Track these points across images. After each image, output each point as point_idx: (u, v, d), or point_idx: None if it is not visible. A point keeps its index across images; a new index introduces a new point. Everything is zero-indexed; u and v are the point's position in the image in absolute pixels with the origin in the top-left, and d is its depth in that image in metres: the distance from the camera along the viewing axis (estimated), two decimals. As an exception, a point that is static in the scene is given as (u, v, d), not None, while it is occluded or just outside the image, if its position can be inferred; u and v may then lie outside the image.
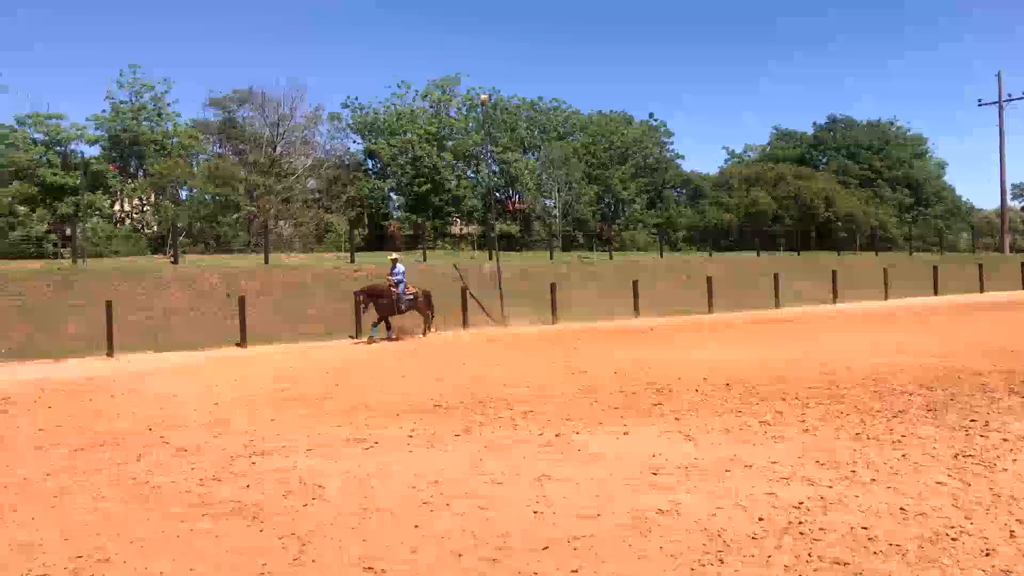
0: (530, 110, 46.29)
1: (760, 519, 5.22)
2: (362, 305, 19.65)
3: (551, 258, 29.68)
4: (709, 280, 28.04)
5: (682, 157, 53.90)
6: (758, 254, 34.09)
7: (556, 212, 42.29)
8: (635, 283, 26.10)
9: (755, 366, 12.78)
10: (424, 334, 20.56)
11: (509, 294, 24.05)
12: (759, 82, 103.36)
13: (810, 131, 56.31)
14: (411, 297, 20.26)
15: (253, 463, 7.25)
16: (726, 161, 58.71)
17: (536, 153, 44.93)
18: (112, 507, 5.96)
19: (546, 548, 4.80)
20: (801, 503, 5.51)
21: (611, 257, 31.40)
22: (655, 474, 6.42)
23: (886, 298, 32.33)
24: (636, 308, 25.64)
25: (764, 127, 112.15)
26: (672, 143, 52.76)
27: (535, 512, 5.50)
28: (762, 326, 21.57)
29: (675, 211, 47.09)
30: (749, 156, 57.96)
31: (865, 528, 4.98)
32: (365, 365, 15.03)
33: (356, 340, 20.06)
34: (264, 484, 6.48)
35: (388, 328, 19.79)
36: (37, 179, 32.61)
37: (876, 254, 38.04)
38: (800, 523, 5.11)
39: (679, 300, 26.77)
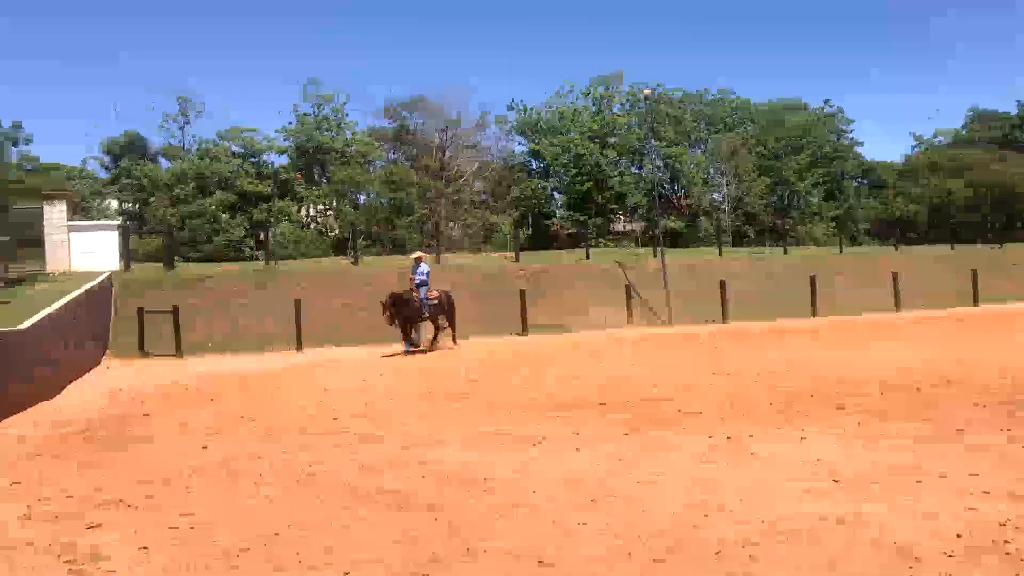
0: (696, 102, 45.08)
1: (958, 535, 4.76)
2: (389, 312, 17.24)
3: (720, 254, 28.72)
4: (895, 276, 25.93)
5: (862, 144, 50.43)
6: (952, 248, 31.21)
7: (725, 206, 40.93)
8: (812, 279, 24.66)
9: (951, 368, 11.71)
10: (445, 341, 18.25)
11: (675, 292, 23.51)
12: (947, 61, 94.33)
13: (1013, 111, 50.80)
14: (435, 302, 18.02)
15: (412, 455, 7.53)
16: (912, 147, 54.19)
17: (703, 146, 43.70)
18: (279, 493, 6.38)
19: (718, 552, 4.65)
20: (1007, 521, 4.96)
21: (785, 252, 29.89)
22: (835, 481, 6.04)
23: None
24: (814, 306, 24.24)
25: (957, 109, 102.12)
26: (851, 130, 49.50)
27: (704, 515, 5.34)
28: (958, 324, 19.72)
29: (856, 202, 44.14)
30: (940, 141, 53.15)
31: (1085, 553, 4.41)
32: (527, 359, 15.24)
33: (389, 353, 17.21)
34: (432, 476, 6.71)
35: (408, 337, 17.74)
36: (236, 188, 35.86)
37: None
38: (1006, 543, 4.61)
39: (861, 298, 24.95)
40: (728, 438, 7.70)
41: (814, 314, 23.79)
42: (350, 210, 37.66)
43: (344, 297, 20.83)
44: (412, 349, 17.44)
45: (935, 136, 54.12)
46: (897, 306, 25.20)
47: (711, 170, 41.52)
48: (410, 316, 17.58)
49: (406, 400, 11.22)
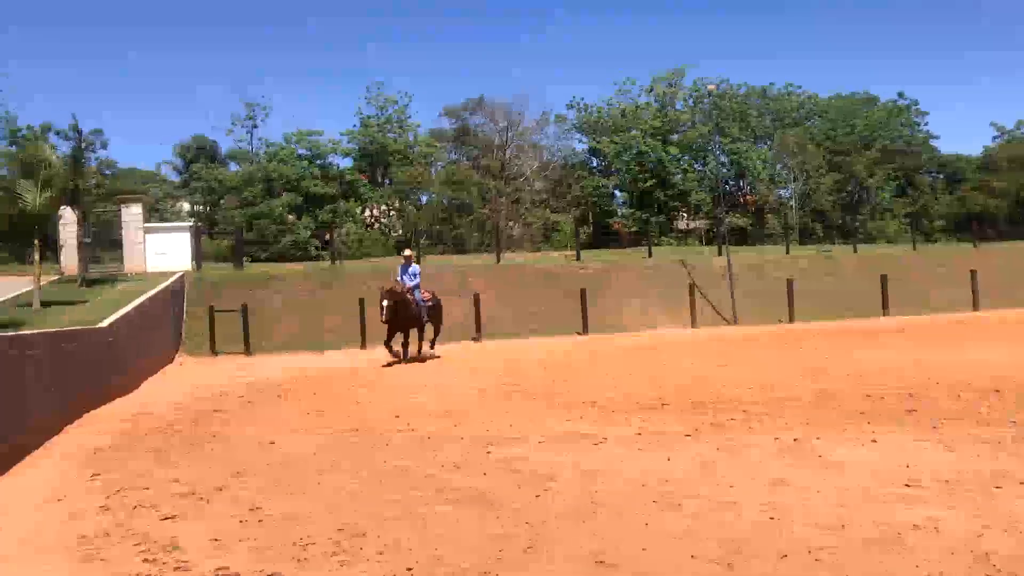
0: (761, 97, 44.16)
1: (1042, 545, 4.53)
2: (390, 313, 15.09)
3: (787, 252, 28.08)
4: (973, 274, 24.89)
5: (937, 138, 48.46)
6: (1036, 243, 29.84)
7: (792, 203, 39.98)
8: (883, 278, 23.88)
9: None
10: (431, 346, 16.81)
11: (741, 291, 23.06)
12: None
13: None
14: (430, 304, 16.50)
15: (488, 452, 7.58)
16: (993, 139, 51.85)
17: (769, 142, 42.79)
18: (363, 487, 6.50)
19: (784, 557, 4.53)
20: (1097, 530, 4.70)
21: (855, 250, 29.01)
22: (908, 486, 5.82)
23: None
24: (884, 305, 23.49)
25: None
26: (925, 123, 47.74)
27: (771, 518, 5.21)
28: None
29: (930, 198, 42.57)
30: (1024, 132, 50.75)
31: None
32: (589, 360, 15.17)
33: (392, 361, 15.64)
34: (499, 473, 6.74)
35: (406, 342, 15.89)
36: (302, 190, 36.72)
37: None
38: (1096, 553, 4.37)
39: (936, 296, 24.03)
40: (797, 440, 7.51)
41: (886, 314, 23.05)
42: (412, 210, 38.14)
43: (407, 296, 21.06)
44: (397, 359, 15.56)
45: (1018, 127, 51.77)
46: (975, 305, 24.18)
47: (777, 166, 40.61)
48: (408, 320, 15.67)
49: (481, 398, 11.28)
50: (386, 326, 15.36)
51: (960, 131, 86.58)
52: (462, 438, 8.33)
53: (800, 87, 45.75)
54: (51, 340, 9.84)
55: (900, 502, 5.44)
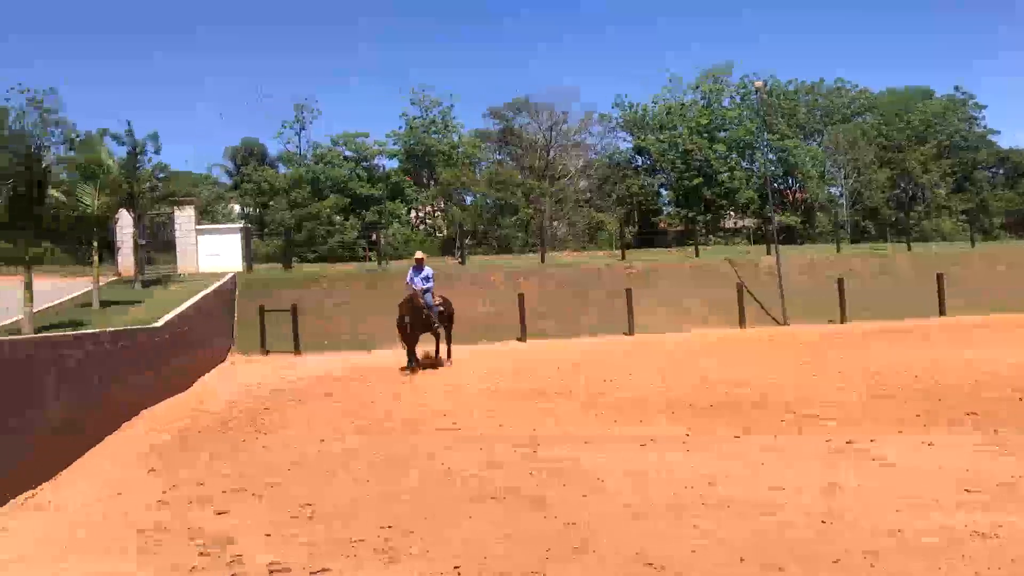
0: (810, 93, 43.33)
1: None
2: (408, 325, 14.49)
3: (838, 251, 27.49)
4: (1034, 272, 24.09)
5: (997, 132, 46.86)
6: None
7: (843, 201, 39.15)
8: (939, 276, 23.20)
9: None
10: (447, 356, 15.85)
11: (790, 291, 22.65)
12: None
13: None
14: (441, 309, 15.62)
15: (535, 452, 7.57)
16: (1057, 132, 50.14)
17: (818, 138, 41.97)
18: (410, 486, 6.55)
19: (837, 561, 4.44)
20: None
21: (909, 248, 28.25)
22: (968, 491, 5.66)
23: None
24: (941, 305, 22.81)
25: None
26: (983, 117, 46.25)
27: (823, 522, 5.11)
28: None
29: (989, 194, 41.24)
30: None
31: None
32: (635, 360, 15.05)
33: (408, 370, 14.61)
34: (546, 473, 6.73)
35: (414, 352, 14.89)
36: (349, 191, 37.22)
37: None
38: None
39: (996, 295, 23.25)
40: (850, 442, 7.36)
41: (942, 313, 22.39)
42: (457, 211, 38.34)
43: (452, 296, 21.17)
44: (415, 366, 14.70)
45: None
46: (1037, 305, 23.37)
47: (828, 163, 39.80)
48: (422, 327, 14.88)
49: (527, 398, 11.29)
50: (403, 337, 14.67)
51: (1021, 125, 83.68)
52: (509, 438, 8.35)
53: (850, 82, 44.85)
54: (111, 339, 10.14)
55: (959, 508, 5.30)
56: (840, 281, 22.53)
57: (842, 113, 42.81)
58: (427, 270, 15.54)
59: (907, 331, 18.60)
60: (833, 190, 40.42)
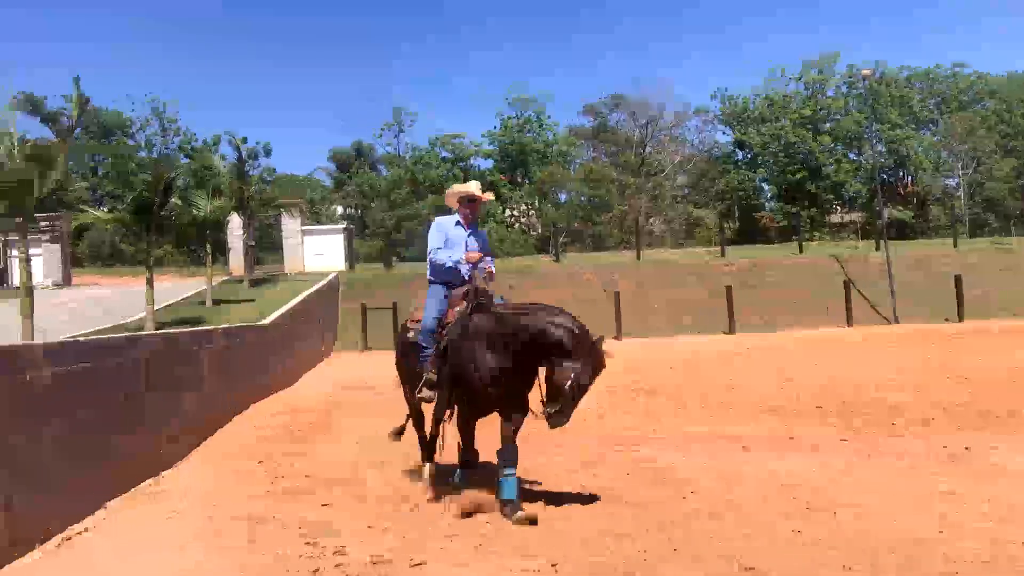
0: (924, 80, 41.10)
1: None
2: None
3: (955, 246, 25.98)
4: None
5: None
6: None
7: (960, 192, 36.97)
8: (1069, 272, 21.63)
9: None
10: None
11: (901, 288, 21.56)
12: None
13: None
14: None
15: (625, 452, 7.50)
16: None
17: (933, 128, 39.78)
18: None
19: (955, 574, 4.20)
20: None
21: (1035, 242, 26.44)
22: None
23: None
24: (1071, 302, 21.21)
25: None
26: (1122, 98, 42.59)
27: (939, 531, 4.84)
28: None
29: None
30: None
31: None
32: (737, 359, 14.68)
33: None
34: (638, 474, 6.66)
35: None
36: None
37: None
38: None
39: None
40: (950, 447, 6.95)
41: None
42: (551, 209, 38.39)
43: (547, 294, 21.21)
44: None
45: None
46: None
47: (943, 153, 37.65)
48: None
49: (614, 396, 11.21)
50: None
51: None
52: (598, 436, 8.29)
53: (968, 67, 42.24)
54: (223, 336, 10.66)
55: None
56: (957, 277, 21.28)
57: (959, 100, 40.42)
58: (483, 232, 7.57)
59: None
60: (949, 182, 38.23)
